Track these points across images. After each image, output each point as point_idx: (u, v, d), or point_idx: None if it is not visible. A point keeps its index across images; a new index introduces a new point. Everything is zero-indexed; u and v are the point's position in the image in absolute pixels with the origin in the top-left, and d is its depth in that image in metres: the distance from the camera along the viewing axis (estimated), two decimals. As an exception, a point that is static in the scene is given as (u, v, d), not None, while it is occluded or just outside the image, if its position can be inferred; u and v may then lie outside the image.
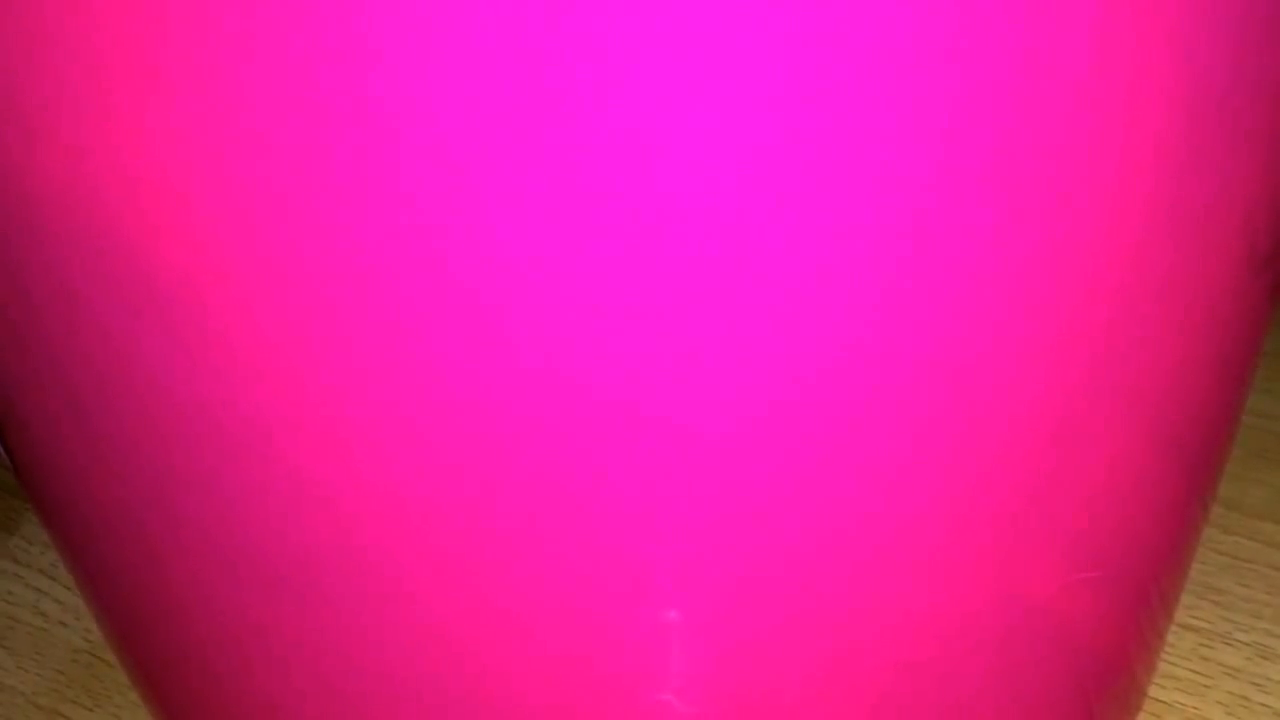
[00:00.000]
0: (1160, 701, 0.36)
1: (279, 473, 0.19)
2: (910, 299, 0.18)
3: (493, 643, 0.21)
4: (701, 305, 0.17)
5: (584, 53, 0.15)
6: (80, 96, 0.16)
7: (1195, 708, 0.36)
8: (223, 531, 0.21)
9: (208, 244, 0.17)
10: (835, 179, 0.16)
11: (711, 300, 0.17)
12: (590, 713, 0.22)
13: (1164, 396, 0.22)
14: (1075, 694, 0.28)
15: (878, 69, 0.16)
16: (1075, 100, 0.17)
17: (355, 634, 0.22)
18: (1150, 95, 0.18)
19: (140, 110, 0.16)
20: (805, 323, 0.18)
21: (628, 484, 0.19)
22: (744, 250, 0.17)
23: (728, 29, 0.15)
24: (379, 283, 0.17)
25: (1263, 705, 0.36)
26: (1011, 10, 0.16)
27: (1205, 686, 0.37)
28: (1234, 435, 0.28)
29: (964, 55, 0.16)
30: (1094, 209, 0.18)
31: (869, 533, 0.20)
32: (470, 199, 0.16)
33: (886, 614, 0.22)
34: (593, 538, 0.19)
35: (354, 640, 0.22)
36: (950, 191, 0.17)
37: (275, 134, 0.16)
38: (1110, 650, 0.28)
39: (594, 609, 0.20)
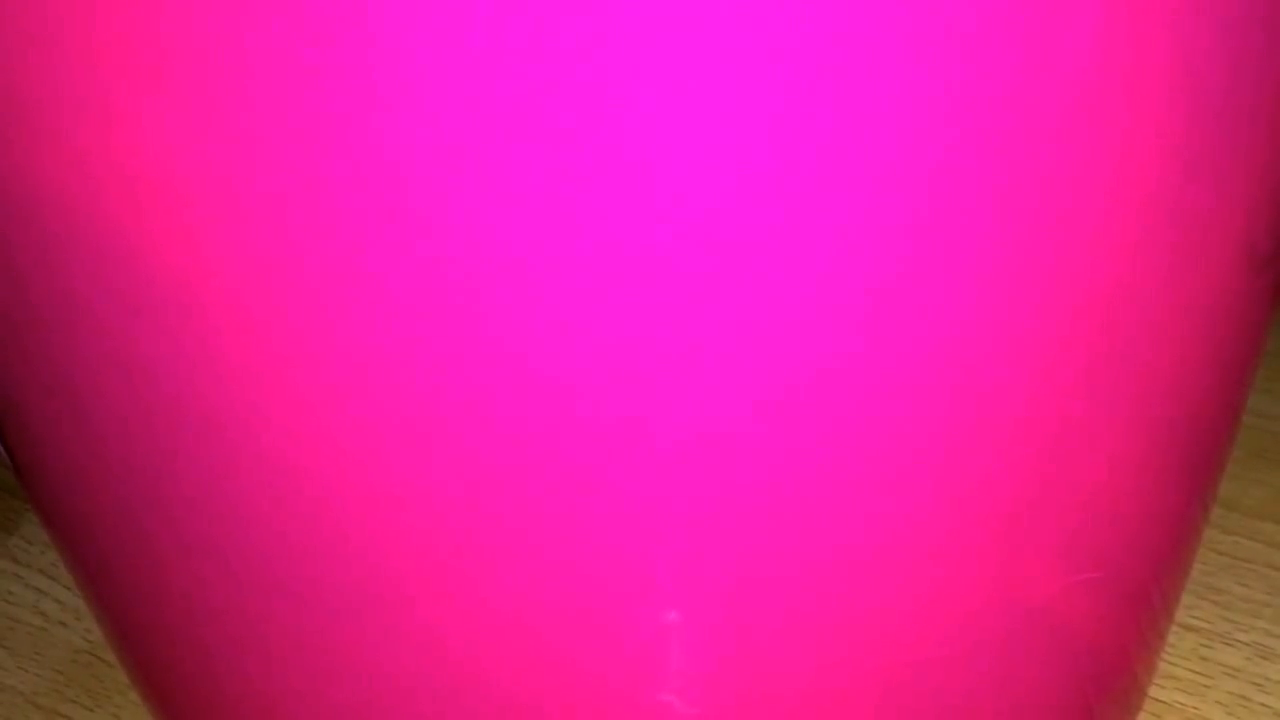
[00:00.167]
0: (1160, 701, 0.36)
1: (278, 473, 0.19)
2: (909, 300, 0.18)
3: (492, 644, 0.21)
4: (701, 306, 0.17)
5: (582, 52, 0.15)
6: (79, 97, 0.16)
7: (1195, 708, 0.36)
8: (222, 532, 0.21)
9: (206, 244, 0.17)
10: (834, 180, 0.16)
11: (711, 301, 0.17)
12: (591, 713, 0.22)
13: (1164, 397, 0.22)
14: (1075, 694, 0.28)
15: (878, 69, 0.16)
16: (1075, 101, 0.17)
17: (354, 634, 0.22)
18: (1150, 95, 0.18)
19: (139, 111, 0.16)
20: (805, 323, 0.18)
21: (628, 484, 0.19)
22: (744, 250, 0.17)
23: (727, 28, 0.15)
24: (377, 283, 0.17)
25: (1262, 705, 0.36)
26: (1011, 11, 0.16)
27: (1205, 686, 0.37)
28: (1234, 435, 0.28)
29: (963, 55, 0.16)
30: (1094, 209, 0.18)
31: (869, 533, 0.20)
32: (469, 199, 0.16)
33: (887, 615, 0.22)
34: (593, 538, 0.19)
35: (352, 640, 0.22)
36: (949, 192, 0.17)
37: (273, 135, 0.16)
38: (1110, 650, 0.28)
39: (594, 609, 0.20)
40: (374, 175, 0.16)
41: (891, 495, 0.20)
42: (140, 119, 0.16)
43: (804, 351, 0.18)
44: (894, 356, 0.18)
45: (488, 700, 0.22)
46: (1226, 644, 0.38)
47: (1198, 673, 0.37)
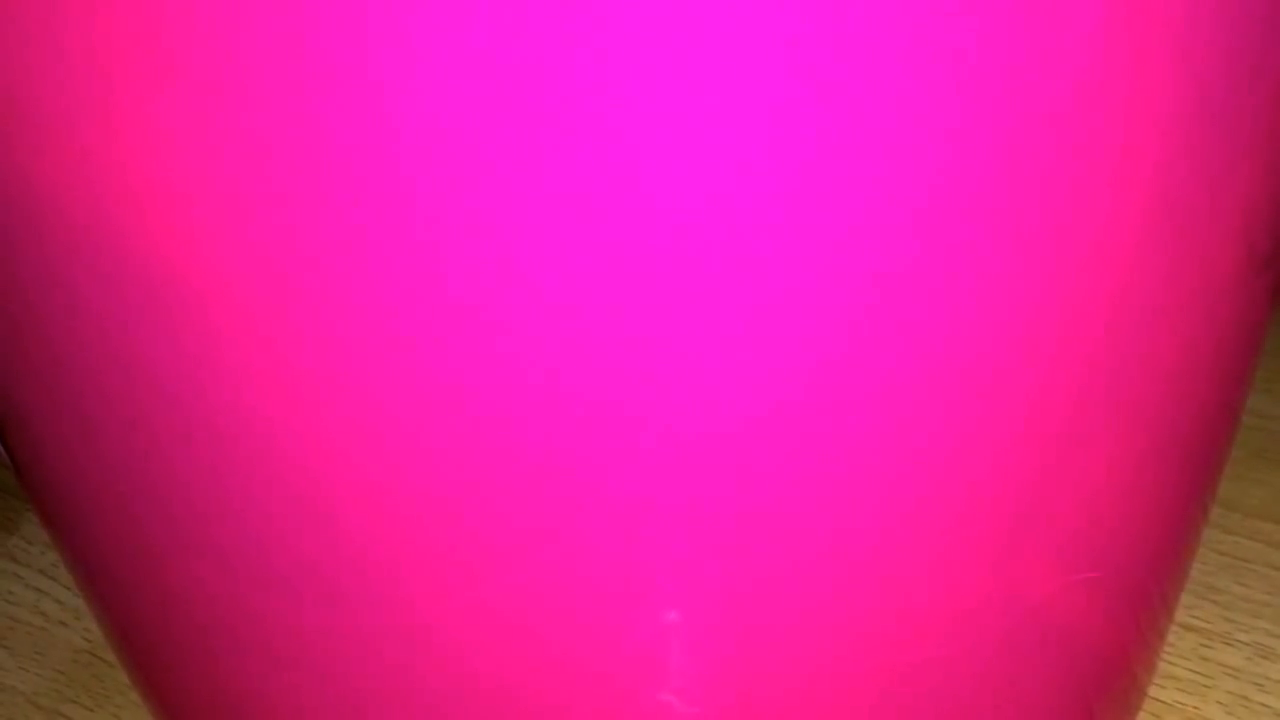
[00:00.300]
0: (1160, 701, 0.36)
1: (278, 473, 0.19)
2: (909, 300, 0.18)
3: (492, 643, 0.21)
4: (700, 306, 0.17)
5: (582, 52, 0.15)
6: (80, 97, 0.16)
7: (1195, 707, 0.36)
8: (222, 532, 0.21)
9: (208, 244, 0.17)
10: (834, 181, 0.16)
11: (710, 301, 0.17)
12: (591, 713, 0.22)
13: (1164, 397, 0.22)
14: (1075, 694, 0.28)
15: (877, 70, 0.16)
16: (1074, 101, 0.17)
17: (354, 634, 0.22)
18: (1150, 95, 0.18)
19: (141, 111, 0.16)
20: (805, 324, 0.18)
21: (627, 484, 0.19)
22: (744, 251, 0.17)
23: (725, 28, 0.15)
24: (377, 283, 0.17)
25: (1262, 705, 0.36)
26: (1011, 11, 0.16)
27: (1205, 686, 0.37)
28: (1234, 435, 0.28)
29: (963, 55, 0.16)
30: (1093, 209, 0.18)
31: (869, 533, 0.20)
32: (469, 199, 0.16)
33: (887, 614, 0.22)
34: (593, 538, 0.19)
35: (353, 641, 0.22)
36: (948, 191, 0.17)
37: (275, 135, 0.16)
38: (1110, 650, 0.28)
39: (594, 609, 0.20)
40: (375, 175, 0.16)
41: (892, 495, 0.20)
42: (142, 119, 0.16)
43: (804, 352, 0.18)
44: (893, 357, 0.18)
45: (488, 700, 0.22)
46: (1226, 644, 0.38)
47: (1198, 673, 0.37)
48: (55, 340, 0.20)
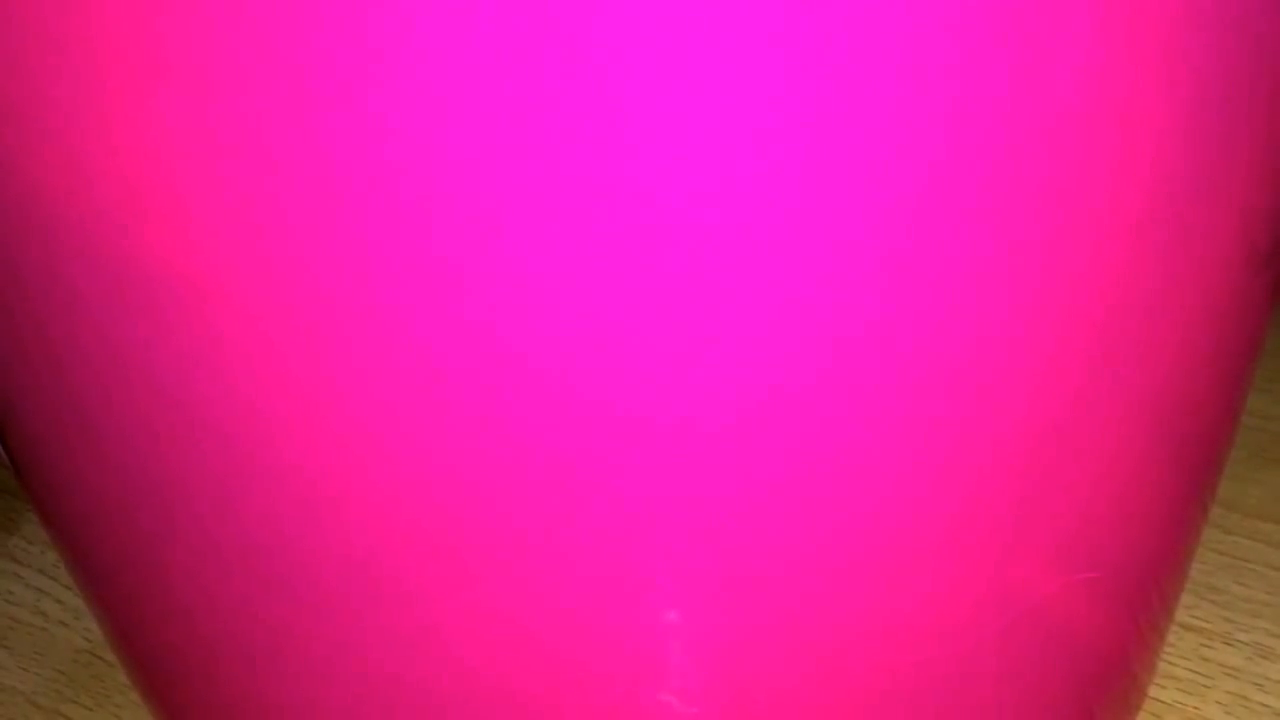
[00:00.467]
0: (1160, 701, 0.36)
1: (278, 473, 0.19)
2: (907, 298, 0.18)
3: (492, 644, 0.21)
4: (699, 306, 0.17)
5: (579, 54, 0.15)
6: (77, 96, 0.16)
7: (1195, 707, 0.36)
8: (222, 531, 0.21)
9: (207, 244, 0.17)
10: (832, 180, 0.16)
11: (708, 301, 0.17)
12: (590, 713, 0.22)
13: (1163, 396, 0.22)
14: (1075, 694, 0.28)
15: (876, 70, 0.16)
16: (1074, 99, 0.17)
17: (354, 634, 0.22)
18: (1149, 93, 0.18)
19: (138, 110, 0.16)
20: (803, 323, 0.18)
21: (627, 484, 0.19)
22: (742, 251, 0.17)
23: (723, 29, 0.15)
24: (377, 282, 0.17)
25: (1262, 705, 0.36)
26: (1011, 11, 0.16)
27: (1205, 686, 0.37)
28: (1234, 435, 0.28)
29: (962, 54, 0.16)
30: (1092, 208, 0.18)
31: (868, 533, 0.20)
32: (467, 199, 0.16)
33: (886, 614, 0.22)
34: (592, 537, 0.19)
35: (353, 640, 0.22)
36: (947, 190, 0.17)
37: (274, 135, 0.16)
38: (1110, 650, 0.28)
39: (594, 609, 0.20)
40: (373, 173, 0.16)
41: (891, 495, 0.20)
42: (139, 119, 0.16)
43: (802, 352, 0.18)
44: (892, 357, 0.18)
45: (487, 700, 0.22)
46: (1226, 644, 0.38)
47: (1197, 672, 0.37)
48: (55, 340, 0.20)
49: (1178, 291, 0.21)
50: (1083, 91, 0.17)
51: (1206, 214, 0.20)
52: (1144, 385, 0.22)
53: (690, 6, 0.15)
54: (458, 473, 0.19)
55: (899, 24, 0.15)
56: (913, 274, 0.18)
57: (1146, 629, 0.29)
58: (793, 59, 0.15)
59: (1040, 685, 0.26)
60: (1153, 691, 0.36)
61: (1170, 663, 0.37)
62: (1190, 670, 0.37)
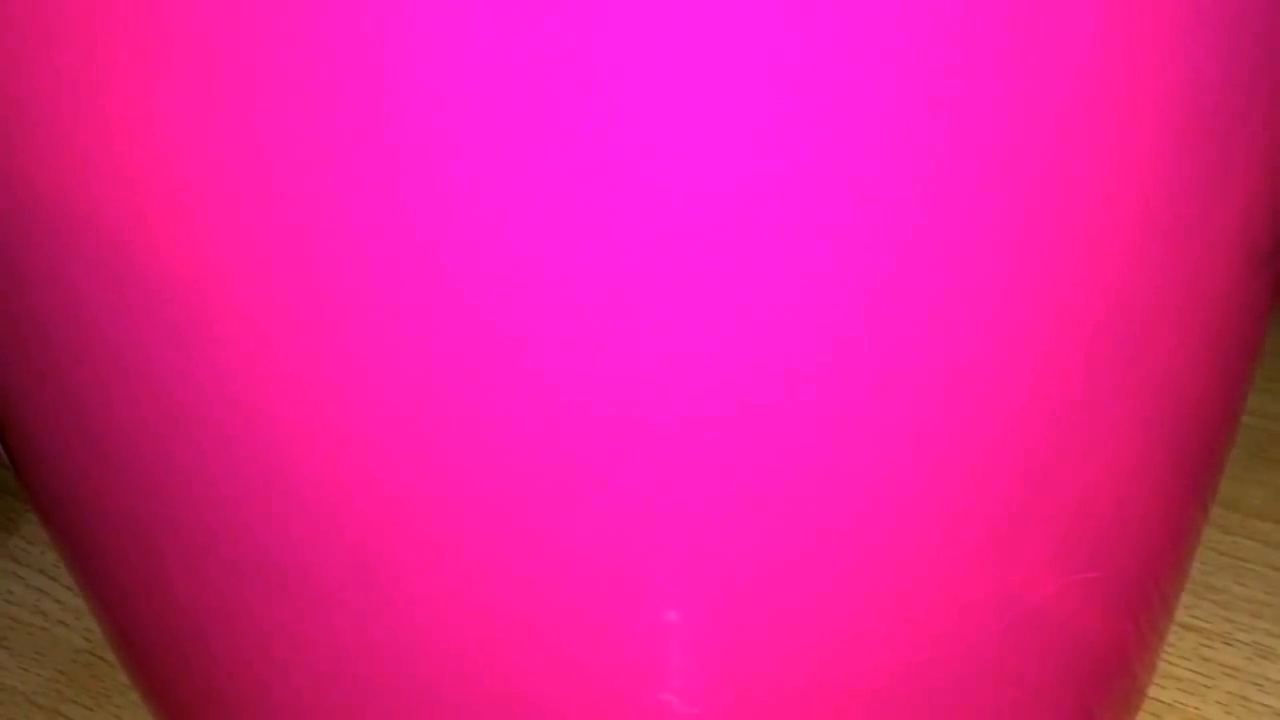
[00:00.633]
0: (1160, 701, 0.36)
1: (279, 472, 0.19)
2: (906, 297, 0.18)
3: (491, 643, 0.21)
4: (697, 306, 0.17)
5: (578, 54, 0.15)
6: (79, 97, 0.16)
7: (1195, 707, 0.36)
8: (222, 531, 0.21)
9: (207, 244, 0.17)
10: (830, 179, 0.16)
11: (707, 301, 0.17)
12: (590, 713, 0.22)
13: (1163, 396, 0.22)
14: (1075, 694, 0.28)
15: (875, 70, 0.16)
16: (1073, 98, 0.17)
17: (354, 633, 0.22)
18: (1148, 92, 0.18)
19: (139, 111, 0.16)
20: (801, 323, 0.18)
21: (627, 484, 0.19)
22: (740, 251, 0.17)
23: (721, 28, 0.15)
24: (377, 283, 0.17)
25: (1262, 705, 0.36)
26: (1010, 11, 0.16)
27: (1205, 686, 0.37)
28: (1234, 435, 0.28)
29: (961, 54, 0.16)
30: (1091, 207, 0.18)
31: (867, 533, 0.20)
32: (470, 199, 0.16)
33: (885, 614, 0.22)
34: (592, 537, 0.19)
35: (352, 639, 0.22)
36: (946, 188, 0.17)
37: (275, 136, 0.16)
38: (1109, 650, 0.28)
39: (594, 608, 0.20)
40: (374, 173, 0.16)
41: (890, 495, 0.20)
42: (141, 119, 0.16)
43: (801, 351, 0.18)
44: (891, 356, 0.18)
45: (486, 698, 0.22)
46: (1226, 644, 0.38)
47: (1197, 672, 0.37)
48: (55, 340, 0.20)
49: (1177, 291, 0.21)
50: (1082, 90, 0.17)
51: (1206, 213, 0.20)
52: (1143, 385, 0.22)
53: (689, 6, 0.15)
54: (457, 473, 0.19)
55: (898, 23, 0.15)
56: (911, 275, 0.18)
57: (1146, 629, 0.29)
58: (791, 59, 0.15)
59: (1040, 685, 0.26)
60: (1153, 691, 0.36)
61: (1170, 663, 0.37)
62: (1190, 670, 0.37)
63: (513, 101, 0.15)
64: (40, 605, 0.43)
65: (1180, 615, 0.38)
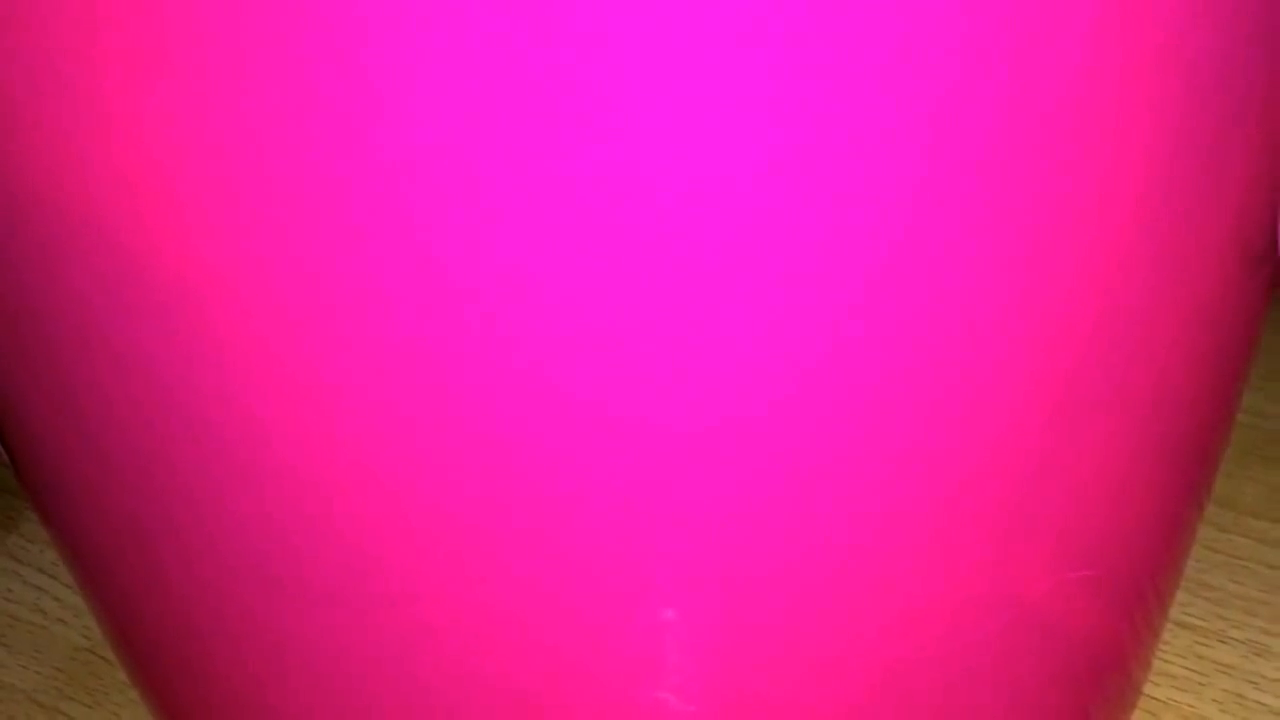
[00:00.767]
0: (1155, 699, 0.36)
1: (278, 472, 0.19)
2: (901, 297, 0.18)
3: (490, 642, 0.21)
4: (695, 306, 0.17)
5: (581, 52, 0.15)
6: (77, 99, 0.16)
7: (1190, 705, 0.36)
8: (221, 530, 0.21)
9: (206, 245, 0.17)
10: (825, 179, 0.16)
11: (705, 301, 0.17)
12: (588, 711, 0.22)
13: (1158, 394, 0.22)
14: (1070, 691, 0.28)
15: (872, 70, 0.16)
16: (1067, 97, 0.17)
17: (352, 633, 0.22)
18: (1142, 91, 0.18)
19: (137, 112, 0.16)
20: (798, 323, 0.18)
21: (625, 483, 0.19)
22: (738, 250, 0.17)
23: (717, 30, 0.15)
24: (376, 284, 0.17)
25: (1257, 702, 0.36)
26: (1005, 11, 0.16)
27: (1200, 684, 0.37)
28: (1229, 433, 0.28)
29: (957, 54, 0.16)
30: (1086, 204, 0.18)
31: (863, 532, 0.20)
32: (469, 198, 0.16)
33: (881, 612, 0.22)
34: (590, 536, 0.19)
35: (351, 639, 0.22)
36: (941, 188, 0.17)
37: (273, 136, 0.16)
38: (1105, 648, 0.28)
39: (591, 607, 0.20)
40: (373, 175, 0.16)
41: (886, 493, 0.20)
42: (138, 120, 0.16)
43: (798, 351, 0.18)
44: (887, 355, 0.18)
45: (485, 697, 0.22)
46: (1221, 641, 0.38)
47: (1193, 670, 0.37)
48: (54, 340, 0.20)
49: (1172, 289, 0.21)
50: (1076, 90, 0.17)
51: (1201, 212, 0.20)
52: (1139, 382, 0.22)
53: (688, 5, 0.15)
54: (457, 473, 0.19)
55: (894, 23, 0.16)
56: (907, 275, 0.18)
57: (1141, 627, 0.29)
58: (787, 59, 0.15)
59: (1035, 683, 0.26)
60: (1148, 689, 0.36)
61: (1166, 660, 0.37)
62: (1186, 668, 0.37)
63: (513, 103, 0.15)
64: (39, 603, 0.43)
65: (1175, 613, 0.38)
